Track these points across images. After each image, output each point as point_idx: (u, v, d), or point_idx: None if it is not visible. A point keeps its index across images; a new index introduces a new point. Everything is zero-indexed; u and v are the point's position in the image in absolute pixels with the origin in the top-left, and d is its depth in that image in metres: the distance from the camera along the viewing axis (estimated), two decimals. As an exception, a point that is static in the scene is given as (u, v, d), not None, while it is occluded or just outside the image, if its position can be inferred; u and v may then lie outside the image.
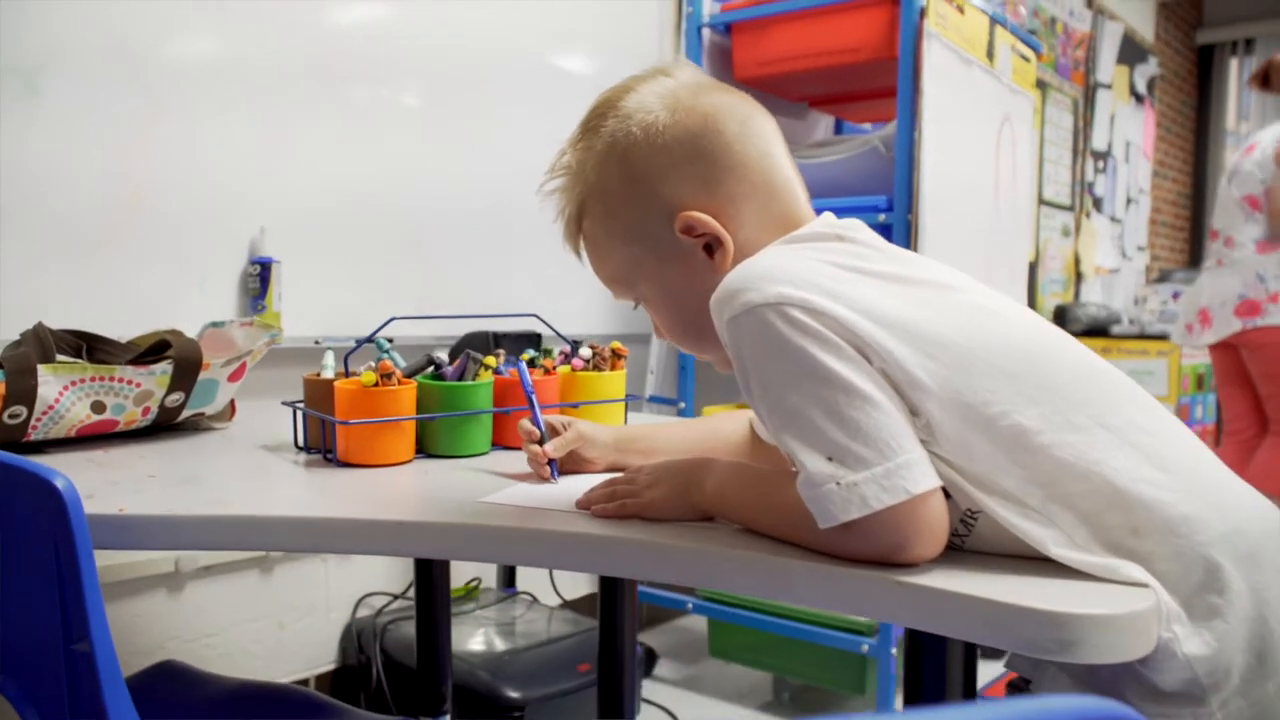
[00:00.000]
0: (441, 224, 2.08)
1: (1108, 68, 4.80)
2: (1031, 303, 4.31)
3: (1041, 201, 4.33)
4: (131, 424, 1.21)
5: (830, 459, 0.69)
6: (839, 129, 2.64)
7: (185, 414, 1.26)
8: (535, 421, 1.06)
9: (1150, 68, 5.33)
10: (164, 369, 1.19)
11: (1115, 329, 4.18)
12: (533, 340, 1.92)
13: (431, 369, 1.21)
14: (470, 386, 1.17)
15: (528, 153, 2.40)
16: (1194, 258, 6.32)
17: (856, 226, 0.86)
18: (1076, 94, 4.60)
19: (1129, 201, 5.23)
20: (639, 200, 0.87)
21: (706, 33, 2.17)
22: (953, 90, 1.92)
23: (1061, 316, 4.28)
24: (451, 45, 2.07)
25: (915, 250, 1.86)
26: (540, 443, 1.04)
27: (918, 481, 0.68)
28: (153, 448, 1.20)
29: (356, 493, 1.00)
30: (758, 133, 0.87)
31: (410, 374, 1.19)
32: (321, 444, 1.14)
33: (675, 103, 0.86)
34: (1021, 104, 2.24)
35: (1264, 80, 2.88)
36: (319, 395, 1.16)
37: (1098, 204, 4.87)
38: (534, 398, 1.09)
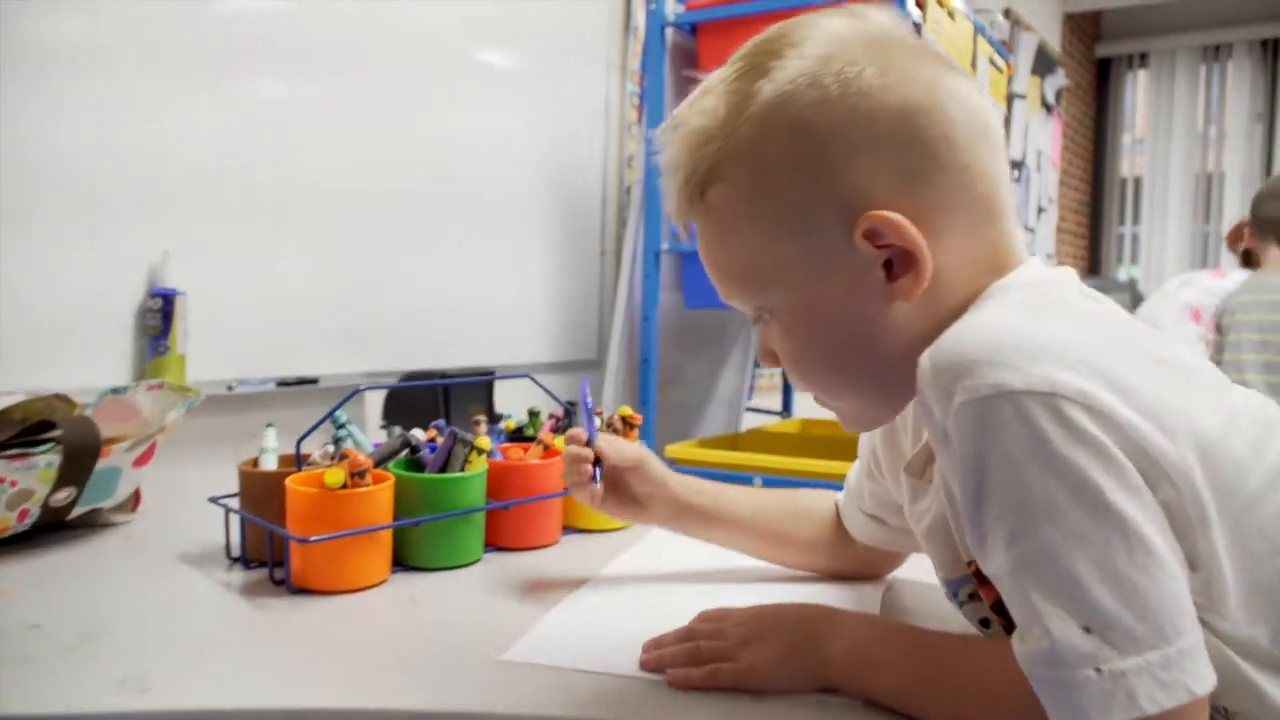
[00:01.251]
0: (374, 242, 1.81)
1: (1023, 78, 4.80)
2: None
3: (965, 212, 4.29)
4: (4, 532, 0.92)
5: (1089, 630, 0.48)
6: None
7: (77, 511, 0.97)
8: (590, 432, 0.85)
9: (1058, 79, 5.38)
10: (49, 460, 0.91)
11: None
12: (486, 384, 1.68)
13: (406, 452, 0.96)
14: (462, 479, 0.92)
15: (466, 159, 2.19)
16: (1094, 266, 6.46)
17: (1075, 276, 0.65)
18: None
19: (1040, 210, 5.26)
20: (811, 180, 0.61)
21: (670, 32, 1.95)
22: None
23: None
24: (381, 38, 1.80)
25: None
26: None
27: (1201, 677, 0.48)
28: (31, 564, 0.91)
29: (329, 645, 0.74)
30: (992, 134, 0.64)
31: (381, 461, 0.93)
32: (269, 559, 0.87)
33: (890, 61, 0.61)
34: (995, 118, 2.10)
35: (1237, 238, 2.78)
36: (262, 493, 0.90)
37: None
38: (590, 412, 0.87)
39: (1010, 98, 4.66)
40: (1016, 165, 4.83)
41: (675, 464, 1.97)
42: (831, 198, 0.61)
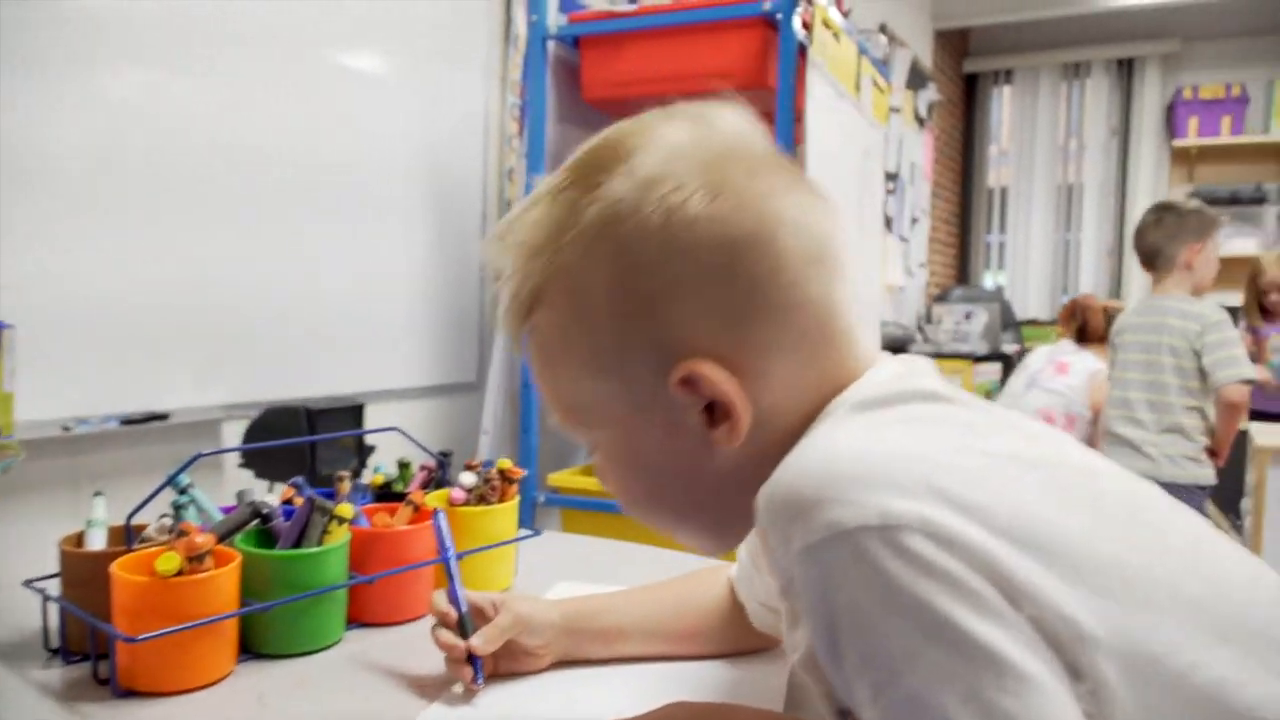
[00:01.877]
0: (233, 257, 1.67)
1: (898, 93, 4.90)
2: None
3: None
4: None
5: None
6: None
7: None
8: (454, 600, 0.76)
9: (930, 93, 5.52)
10: None
11: (913, 348, 4.25)
12: (355, 413, 1.57)
13: (256, 522, 0.86)
14: (319, 555, 0.83)
15: (337, 165, 2.05)
16: (963, 275, 6.68)
17: (929, 371, 0.61)
18: (872, 116, 4.66)
19: (913, 221, 5.39)
20: (628, 317, 0.56)
21: (552, 46, 1.88)
22: (828, 125, 1.74)
23: (863, 338, 4.30)
24: (244, 30, 1.66)
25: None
26: (461, 631, 0.74)
27: None
28: None
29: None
30: (830, 257, 0.58)
31: (226, 535, 0.83)
32: (91, 653, 0.76)
33: (722, 183, 0.56)
34: (877, 138, 2.11)
35: (1069, 315, 2.89)
36: (86, 577, 0.79)
37: (889, 224, 4.96)
38: (454, 566, 0.78)
39: (888, 112, 4.76)
40: (892, 178, 4.93)
41: (558, 492, 1.90)
42: (648, 339, 0.56)
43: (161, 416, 1.55)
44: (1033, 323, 6.46)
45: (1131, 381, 2.38)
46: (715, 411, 0.56)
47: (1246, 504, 2.75)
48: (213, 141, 1.62)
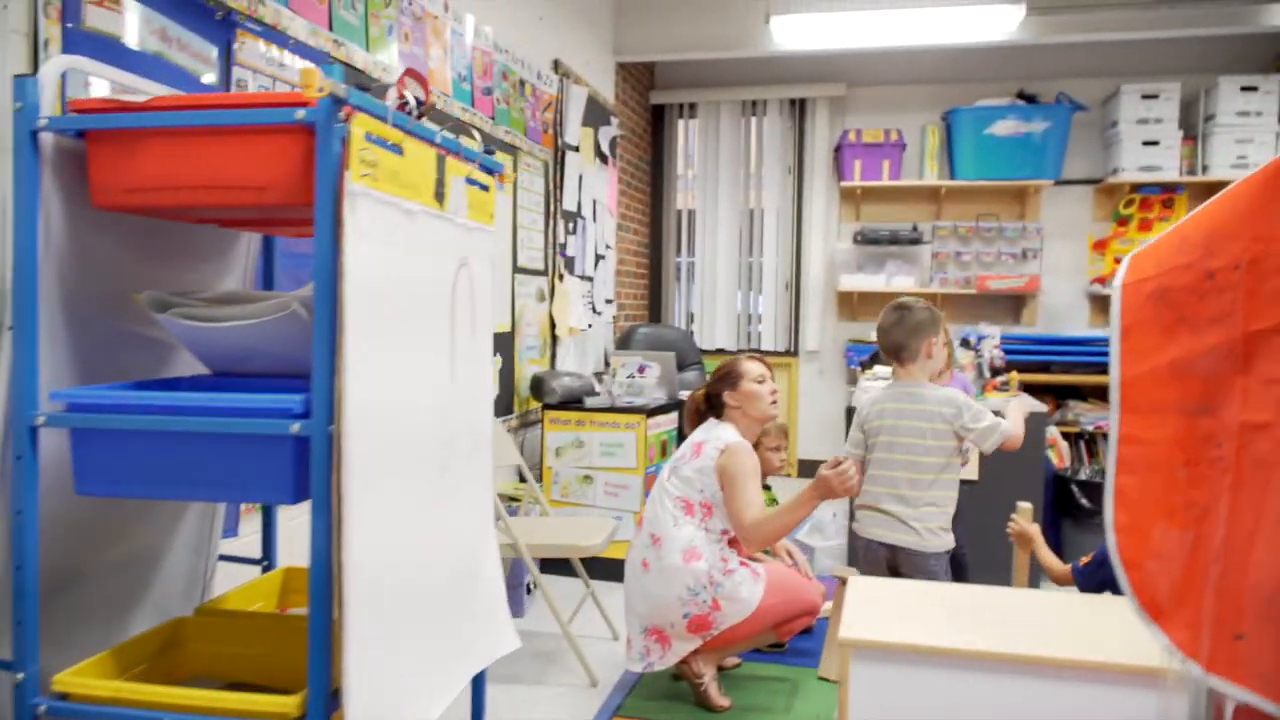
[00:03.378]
0: None
1: (575, 130, 4.79)
2: (510, 371, 4.13)
3: (517, 270, 4.16)
4: None
5: None
6: (269, 249, 2.10)
7: None
8: None
9: (612, 129, 5.47)
10: None
11: (589, 401, 4.14)
12: None
13: None
14: None
15: None
16: (654, 303, 6.73)
17: None
18: (547, 157, 4.50)
19: (598, 258, 5.32)
20: None
21: (49, 139, 1.51)
22: (391, 245, 1.50)
23: (539, 388, 4.14)
24: None
25: (339, 480, 1.41)
26: None
27: None
28: None
29: None
30: None
31: None
32: None
33: None
34: (479, 240, 1.89)
35: (695, 411, 2.92)
36: None
37: (570, 264, 4.85)
38: None
39: (562, 150, 4.63)
40: (572, 216, 4.82)
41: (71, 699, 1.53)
42: None
43: None
44: (720, 352, 6.63)
45: (896, 461, 2.66)
46: None
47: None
48: None
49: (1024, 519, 2.55)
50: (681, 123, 6.67)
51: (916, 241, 6.12)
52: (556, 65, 4.58)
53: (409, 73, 1.67)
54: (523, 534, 3.05)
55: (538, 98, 4.34)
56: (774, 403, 2.89)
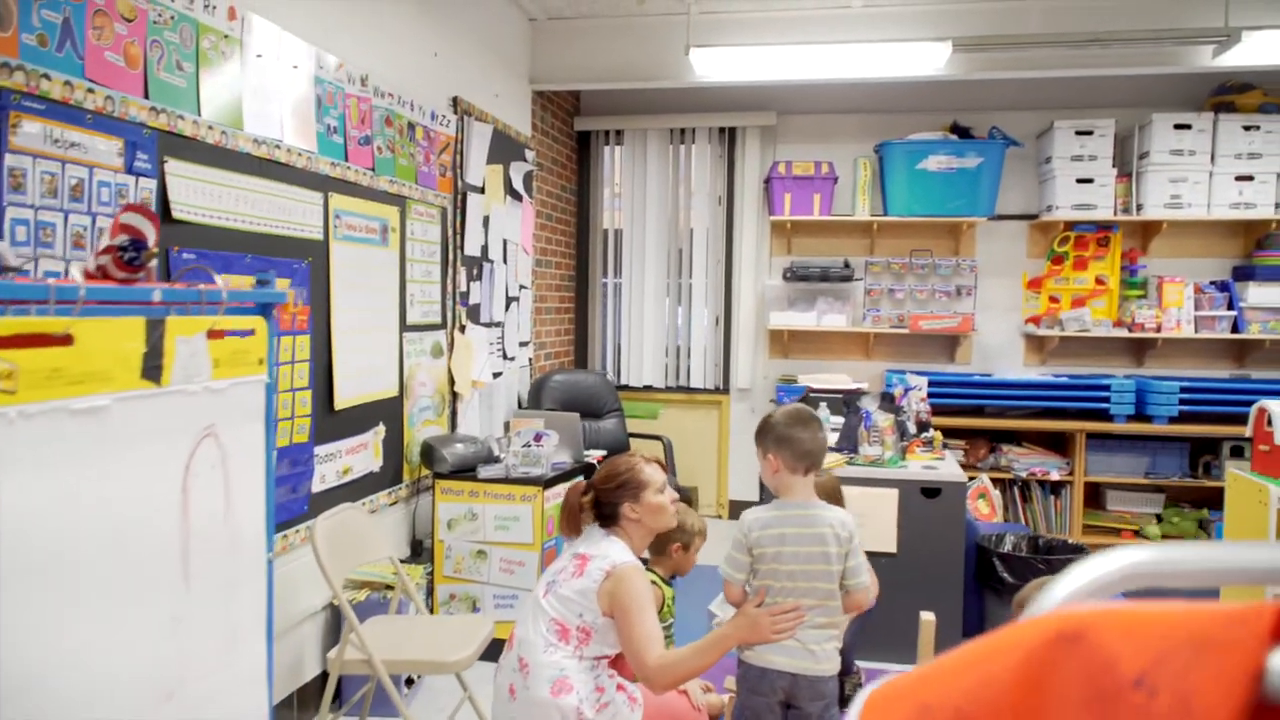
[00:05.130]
0: None
1: (478, 169, 4.50)
2: (399, 438, 3.83)
3: (406, 329, 3.86)
4: None
5: None
6: None
7: None
8: None
9: (526, 163, 5.18)
10: None
11: (483, 471, 3.85)
12: None
13: None
14: None
15: None
16: (580, 339, 6.45)
17: None
18: (445, 202, 4.21)
19: (510, 300, 5.03)
20: None
21: None
22: (51, 466, 1.21)
23: (430, 455, 3.85)
24: None
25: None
26: None
27: None
28: None
29: None
30: None
31: None
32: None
33: None
34: (237, 399, 1.60)
35: (570, 518, 2.60)
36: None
37: (475, 312, 4.56)
38: None
39: (463, 193, 4.34)
40: (476, 262, 4.53)
41: None
42: None
43: None
44: (648, 390, 6.37)
45: (798, 589, 2.44)
46: None
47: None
48: None
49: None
50: (608, 149, 6.40)
51: (848, 279, 5.90)
52: (455, 103, 4.29)
53: (130, 209, 1.37)
54: (380, 644, 2.77)
55: (432, 140, 4.04)
56: (674, 513, 2.62)
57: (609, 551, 2.42)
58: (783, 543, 2.44)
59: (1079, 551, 3.87)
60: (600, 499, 2.52)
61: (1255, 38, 4.33)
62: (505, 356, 5.00)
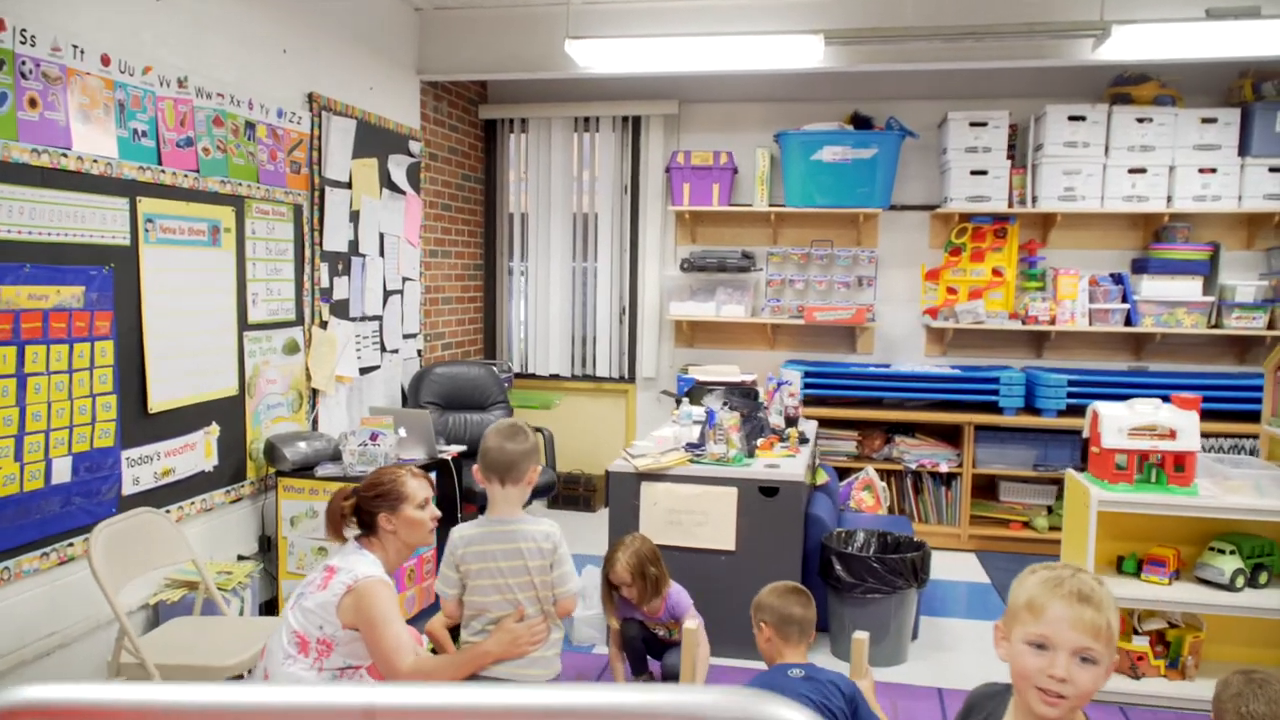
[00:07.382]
0: None
1: (341, 164, 4.49)
2: (241, 436, 3.87)
3: (247, 328, 3.88)
4: None
5: None
6: None
7: None
8: None
9: (411, 156, 5.18)
10: None
11: (320, 470, 3.88)
12: None
13: None
14: None
15: None
16: (488, 327, 6.46)
17: None
18: (300, 199, 4.21)
19: (390, 294, 5.04)
20: None
21: None
22: None
23: (272, 453, 3.88)
24: None
25: None
26: None
27: None
28: None
29: None
30: None
31: None
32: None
33: None
34: None
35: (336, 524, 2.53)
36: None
37: (340, 308, 4.57)
38: None
39: (321, 189, 4.34)
40: (341, 257, 4.54)
41: None
42: None
43: None
44: (554, 379, 6.39)
45: (490, 604, 2.45)
46: None
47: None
48: None
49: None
50: (513, 138, 6.38)
51: (746, 269, 5.88)
52: (311, 99, 4.28)
53: None
54: (171, 645, 2.82)
55: (280, 138, 4.04)
56: (432, 530, 2.61)
57: (355, 566, 2.43)
58: (486, 559, 2.47)
59: (918, 549, 3.88)
60: (361, 506, 2.52)
61: (1125, 31, 4.28)
62: (385, 350, 5.02)
